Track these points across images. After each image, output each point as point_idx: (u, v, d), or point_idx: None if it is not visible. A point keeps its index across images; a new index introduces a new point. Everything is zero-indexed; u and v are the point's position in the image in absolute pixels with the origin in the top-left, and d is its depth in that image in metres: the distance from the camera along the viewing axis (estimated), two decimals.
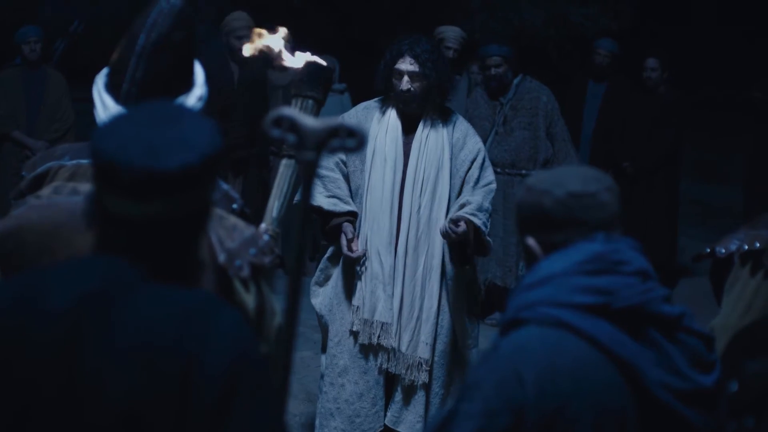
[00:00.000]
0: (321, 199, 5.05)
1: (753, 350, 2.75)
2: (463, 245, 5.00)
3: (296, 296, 2.21)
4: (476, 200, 5.01)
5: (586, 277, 2.36)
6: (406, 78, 5.01)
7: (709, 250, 3.37)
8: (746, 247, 3.26)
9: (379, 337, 5.07)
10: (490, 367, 2.36)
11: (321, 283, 5.26)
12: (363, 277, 5.11)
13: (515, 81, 7.89)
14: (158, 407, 1.96)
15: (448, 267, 5.10)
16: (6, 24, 9.44)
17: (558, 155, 7.86)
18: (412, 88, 5.01)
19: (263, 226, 2.99)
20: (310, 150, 2.18)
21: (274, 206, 3.09)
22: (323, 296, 5.24)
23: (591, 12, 11.92)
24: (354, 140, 2.18)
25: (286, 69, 3.38)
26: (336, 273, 5.19)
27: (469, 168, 5.12)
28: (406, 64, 5.00)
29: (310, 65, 3.34)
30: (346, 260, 5.14)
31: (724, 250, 3.31)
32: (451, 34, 8.55)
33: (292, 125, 2.19)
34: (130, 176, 1.98)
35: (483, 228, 4.98)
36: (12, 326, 2.01)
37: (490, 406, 2.31)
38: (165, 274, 2.07)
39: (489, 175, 5.17)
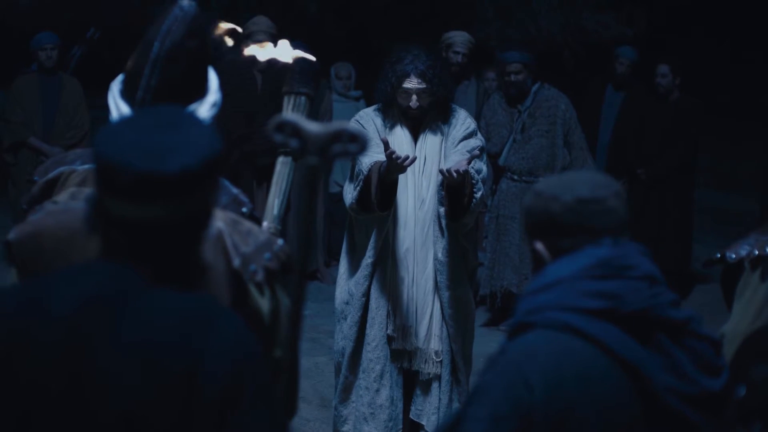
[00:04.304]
0: (353, 193, 5.07)
1: (760, 355, 2.76)
2: (459, 195, 4.97)
3: (300, 300, 2.23)
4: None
5: (593, 282, 2.38)
6: (414, 97, 5.05)
7: (719, 256, 3.36)
8: (757, 252, 3.24)
9: (407, 340, 5.15)
10: (498, 371, 2.38)
11: (363, 292, 5.24)
12: (396, 282, 5.15)
13: (533, 88, 7.87)
14: (163, 407, 1.98)
15: (443, 251, 5.13)
16: (23, 31, 9.48)
17: (575, 163, 7.84)
18: (421, 105, 5.07)
19: (265, 224, 3.02)
20: (313, 155, 2.20)
21: (274, 204, 3.10)
22: (359, 301, 5.23)
23: (606, 19, 11.90)
24: (356, 145, 2.20)
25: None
26: (375, 278, 5.19)
27: (460, 141, 5.14)
28: (414, 83, 5.04)
29: (299, 62, 3.33)
30: (381, 267, 5.16)
31: (734, 256, 3.30)
32: (459, 39, 8.55)
33: (295, 130, 2.21)
34: (131, 179, 2.00)
35: (474, 175, 4.96)
36: (18, 330, 2.04)
37: (498, 410, 2.32)
38: (167, 277, 2.09)
39: (477, 141, 5.16)
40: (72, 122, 8.93)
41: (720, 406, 2.45)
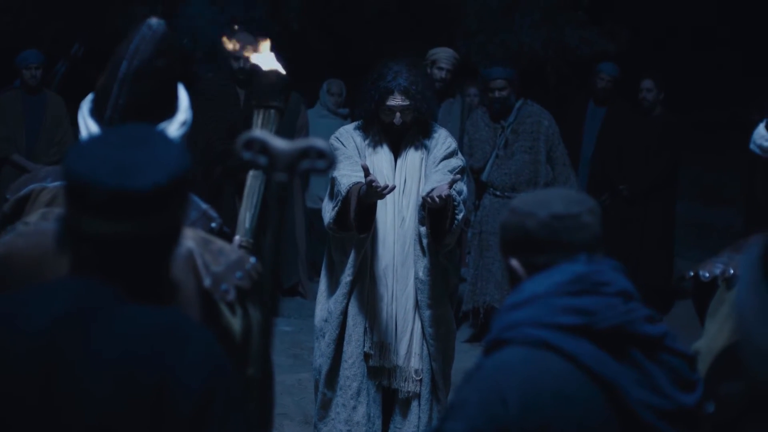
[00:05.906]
0: (331, 213, 5.04)
1: (729, 371, 2.76)
2: (441, 218, 4.95)
3: (272, 314, 2.23)
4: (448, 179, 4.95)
5: (568, 298, 2.39)
6: (398, 114, 5.04)
7: (692, 274, 3.36)
8: (731, 271, 3.23)
9: (386, 357, 5.13)
10: (474, 386, 2.39)
11: (342, 310, 5.22)
12: (375, 299, 5.13)
13: (517, 104, 7.90)
14: (135, 421, 2.00)
15: (424, 270, 5.12)
16: (6, 47, 9.47)
17: (558, 179, 7.86)
18: (404, 121, 5.05)
19: (237, 238, 3.02)
20: (281, 171, 2.21)
21: (246, 218, 3.11)
22: (337, 319, 5.22)
23: (588, 35, 11.91)
24: (324, 161, 2.21)
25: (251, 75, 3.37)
26: (354, 295, 5.18)
27: (441, 161, 5.12)
28: (397, 101, 5.01)
29: (269, 74, 3.33)
30: (359, 285, 5.15)
31: (708, 275, 3.27)
32: (443, 55, 8.57)
33: (263, 147, 2.22)
34: (101, 196, 2.02)
35: (456, 197, 4.92)
36: None
37: (474, 425, 2.33)
38: (138, 292, 2.11)
39: (457, 161, 5.15)
40: (55, 139, 8.92)
41: (695, 422, 2.46)
